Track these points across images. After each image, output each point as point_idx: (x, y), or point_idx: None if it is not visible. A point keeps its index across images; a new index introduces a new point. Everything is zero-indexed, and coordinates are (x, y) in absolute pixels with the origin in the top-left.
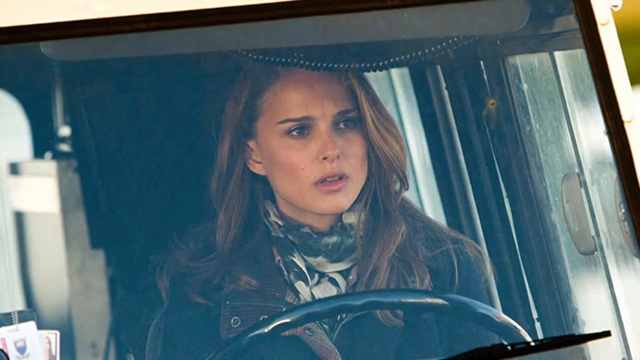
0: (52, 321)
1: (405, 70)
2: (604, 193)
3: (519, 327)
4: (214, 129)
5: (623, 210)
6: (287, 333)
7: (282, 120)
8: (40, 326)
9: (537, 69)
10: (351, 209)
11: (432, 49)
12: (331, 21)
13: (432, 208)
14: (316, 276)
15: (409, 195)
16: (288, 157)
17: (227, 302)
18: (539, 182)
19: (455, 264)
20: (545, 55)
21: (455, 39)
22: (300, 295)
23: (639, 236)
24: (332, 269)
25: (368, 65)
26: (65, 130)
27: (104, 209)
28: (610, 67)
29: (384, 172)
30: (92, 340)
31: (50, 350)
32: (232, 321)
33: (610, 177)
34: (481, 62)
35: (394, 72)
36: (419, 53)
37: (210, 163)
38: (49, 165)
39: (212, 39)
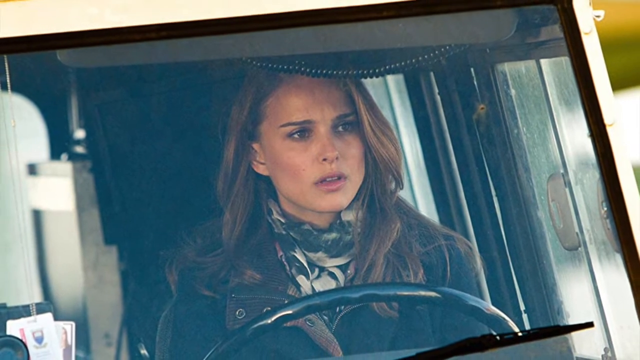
0: (68, 313)
1: (400, 77)
2: (587, 192)
3: (507, 318)
4: (220, 132)
5: (605, 209)
6: (289, 324)
7: (284, 123)
8: (56, 317)
9: (524, 75)
10: (349, 207)
11: (426, 56)
12: (330, 31)
13: (426, 206)
14: (316, 270)
15: (404, 194)
16: (290, 158)
17: (233, 295)
18: (526, 182)
19: (447, 259)
20: (532, 63)
21: (447, 47)
22: (302, 289)
23: (620, 233)
24: (331, 263)
25: (365, 72)
26: (80, 133)
27: (117, 207)
28: (593, 73)
29: (380, 172)
30: (105, 330)
31: (66, 340)
32: (237, 313)
33: (593, 177)
34: (472, 69)
35: (390, 78)
36: (413, 60)
37: (217, 164)
38: (64, 166)
39: (219, 48)
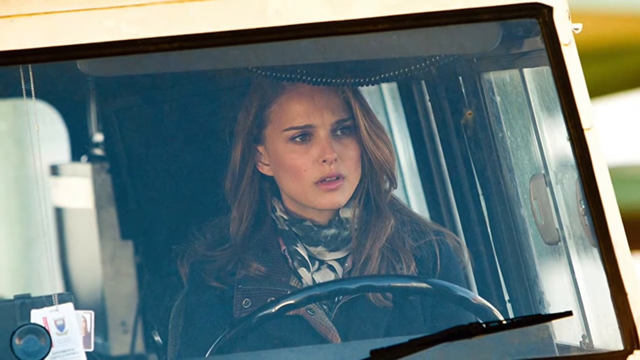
0: (87, 302)
1: (394, 85)
2: (566, 191)
3: (492, 307)
4: (227, 135)
5: (583, 206)
6: (291, 313)
7: (287, 128)
8: (77, 307)
9: (509, 83)
10: (347, 205)
11: (417, 66)
12: (330, 42)
13: (417, 204)
14: (317, 263)
15: (397, 193)
16: (292, 160)
17: (239, 286)
18: (510, 182)
19: (437, 253)
20: (515, 72)
21: (438, 57)
22: (303, 280)
23: (596, 228)
24: (330, 257)
25: (362, 80)
26: (98, 137)
27: (132, 205)
28: (572, 82)
29: (376, 173)
30: (122, 319)
31: (86, 327)
32: (243, 302)
33: (572, 178)
34: (460, 78)
35: (384, 86)
36: (406, 70)
37: (225, 165)
38: (84, 167)
39: (226, 58)
